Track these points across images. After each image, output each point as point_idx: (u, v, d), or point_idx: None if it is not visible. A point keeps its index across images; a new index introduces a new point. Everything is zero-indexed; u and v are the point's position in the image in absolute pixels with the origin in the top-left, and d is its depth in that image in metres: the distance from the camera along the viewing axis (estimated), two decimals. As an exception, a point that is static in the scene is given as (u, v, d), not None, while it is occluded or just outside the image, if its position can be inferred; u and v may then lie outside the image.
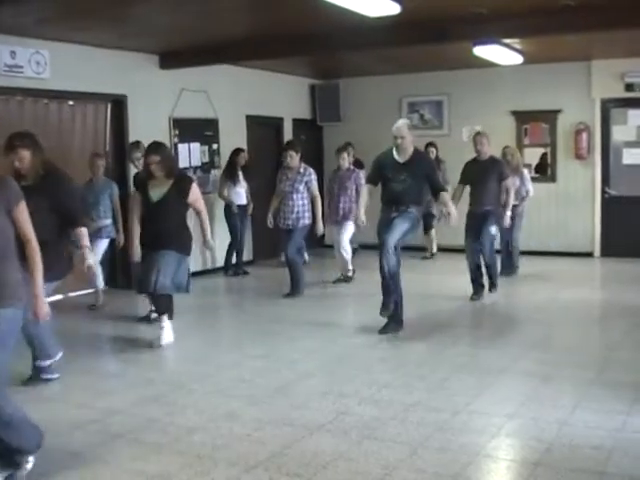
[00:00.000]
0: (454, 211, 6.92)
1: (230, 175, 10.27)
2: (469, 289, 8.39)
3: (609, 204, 11.32)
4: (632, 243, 10.89)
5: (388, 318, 6.91)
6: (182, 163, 9.95)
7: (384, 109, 12.53)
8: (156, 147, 6.64)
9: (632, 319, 7.39)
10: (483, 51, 8.88)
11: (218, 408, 5.03)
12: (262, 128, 11.85)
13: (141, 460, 4.19)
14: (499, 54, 9.32)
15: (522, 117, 11.73)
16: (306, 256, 10.75)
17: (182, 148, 10.25)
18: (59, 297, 8.40)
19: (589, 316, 7.83)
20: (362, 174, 9.50)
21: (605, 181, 11.34)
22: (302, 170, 8.71)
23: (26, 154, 5.11)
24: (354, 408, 4.94)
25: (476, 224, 8.31)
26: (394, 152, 6.98)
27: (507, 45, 9.02)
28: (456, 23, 7.59)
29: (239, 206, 10.26)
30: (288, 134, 12.53)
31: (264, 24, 7.93)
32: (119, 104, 9.24)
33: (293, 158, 8.65)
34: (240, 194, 10.29)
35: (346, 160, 9.74)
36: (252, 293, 9.22)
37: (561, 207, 10.84)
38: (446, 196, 7.02)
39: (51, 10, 6.80)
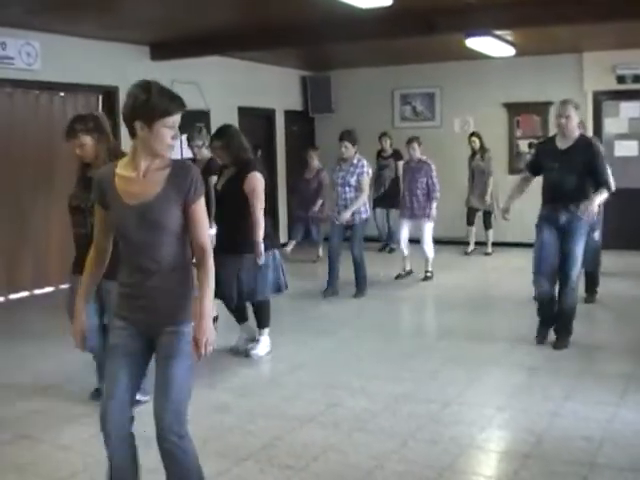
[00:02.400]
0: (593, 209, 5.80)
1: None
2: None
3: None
4: (624, 235, 10.86)
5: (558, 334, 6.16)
6: (173, 155, 9.87)
7: (376, 101, 12.56)
8: (219, 131, 5.99)
9: (622, 311, 7.42)
10: (475, 43, 8.86)
11: (209, 400, 5.02)
12: (254, 120, 11.81)
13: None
14: (491, 46, 9.29)
15: (514, 109, 11.72)
16: (320, 251, 10.69)
17: (173, 140, 10.18)
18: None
19: (579, 308, 7.81)
20: (433, 167, 8.88)
21: (597, 173, 11.33)
22: (355, 161, 8.06)
23: (88, 140, 4.52)
24: (345, 400, 4.94)
25: None
26: (557, 136, 5.96)
27: (499, 37, 9.00)
28: (447, 14, 7.58)
29: None
30: (280, 126, 12.54)
31: (255, 15, 7.89)
32: (110, 95, 9.18)
33: (348, 149, 8.02)
34: None
35: (417, 150, 8.91)
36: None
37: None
38: (601, 196, 5.92)
39: (40, 1, 6.76)
